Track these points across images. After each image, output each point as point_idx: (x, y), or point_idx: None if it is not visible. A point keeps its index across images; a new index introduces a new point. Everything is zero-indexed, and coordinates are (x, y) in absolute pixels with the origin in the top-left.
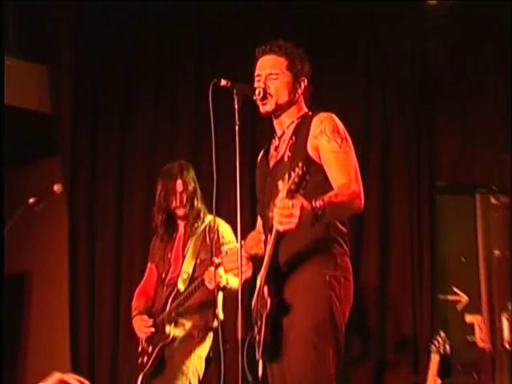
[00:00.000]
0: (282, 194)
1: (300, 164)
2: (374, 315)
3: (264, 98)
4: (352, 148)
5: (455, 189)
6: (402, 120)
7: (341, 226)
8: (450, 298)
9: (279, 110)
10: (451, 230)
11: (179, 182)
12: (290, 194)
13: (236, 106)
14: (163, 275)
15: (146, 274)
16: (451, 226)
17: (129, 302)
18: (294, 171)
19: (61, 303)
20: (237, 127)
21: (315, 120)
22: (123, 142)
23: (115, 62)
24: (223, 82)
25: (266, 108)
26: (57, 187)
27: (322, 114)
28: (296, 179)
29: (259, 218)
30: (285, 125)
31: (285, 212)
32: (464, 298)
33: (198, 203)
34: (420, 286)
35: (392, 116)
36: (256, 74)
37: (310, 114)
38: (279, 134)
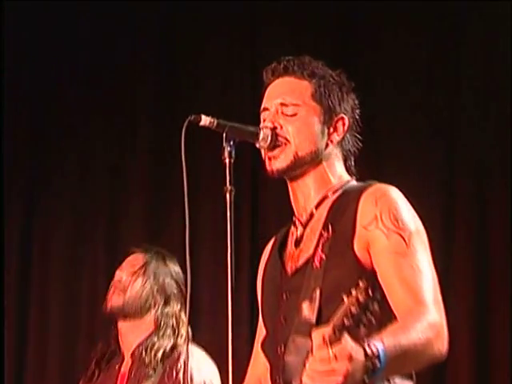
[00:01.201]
0: (324, 332)
1: (362, 284)
2: None
3: (274, 145)
4: (428, 246)
5: None
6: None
7: (405, 382)
8: None
9: (298, 167)
10: None
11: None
12: (339, 335)
13: (227, 160)
14: None
15: None
16: None
17: None
18: (350, 294)
19: None
20: (228, 195)
21: (366, 197)
22: (28, 230)
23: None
24: (205, 120)
25: (276, 164)
26: None
27: (377, 188)
28: (353, 309)
29: (261, 356)
30: (311, 201)
31: (322, 367)
32: None
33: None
34: None
35: (491, 187)
36: (262, 108)
37: (356, 184)
38: (302, 217)
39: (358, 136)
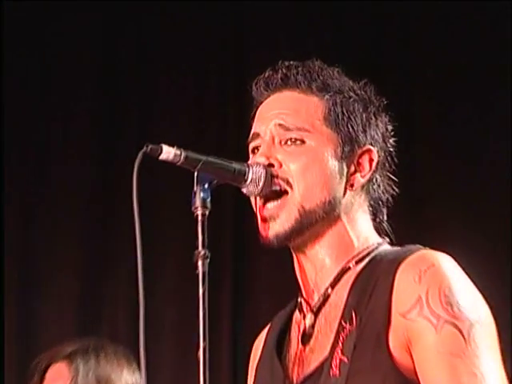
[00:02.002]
0: None
1: None
2: None
3: (269, 191)
4: (496, 342)
5: None
6: None
7: None
8: None
9: (307, 227)
10: None
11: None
12: None
13: (199, 212)
14: None
15: None
16: None
17: None
18: None
19: None
20: (200, 263)
21: (405, 270)
22: None
23: None
24: (168, 153)
25: (275, 228)
26: None
27: (421, 256)
28: None
29: None
30: (325, 276)
31: None
32: None
33: None
34: None
35: None
36: (251, 135)
37: (390, 249)
38: (313, 299)
39: (392, 177)
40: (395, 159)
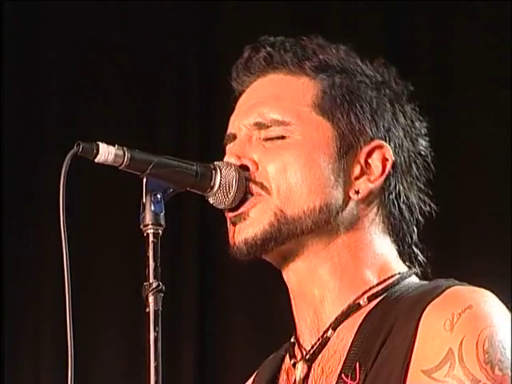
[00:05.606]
0: None
1: None
2: None
3: (242, 200)
4: None
5: None
6: None
7: None
8: None
9: (285, 235)
10: None
11: None
12: None
13: (150, 232)
14: None
15: None
16: None
17: None
18: None
19: None
20: (151, 299)
21: (432, 314)
22: None
23: None
24: (106, 152)
25: (243, 229)
26: None
27: (454, 296)
28: None
29: None
30: (326, 313)
31: None
32: None
33: None
34: None
35: None
36: (227, 135)
37: (416, 283)
38: (308, 343)
39: (420, 186)
40: (429, 165)
